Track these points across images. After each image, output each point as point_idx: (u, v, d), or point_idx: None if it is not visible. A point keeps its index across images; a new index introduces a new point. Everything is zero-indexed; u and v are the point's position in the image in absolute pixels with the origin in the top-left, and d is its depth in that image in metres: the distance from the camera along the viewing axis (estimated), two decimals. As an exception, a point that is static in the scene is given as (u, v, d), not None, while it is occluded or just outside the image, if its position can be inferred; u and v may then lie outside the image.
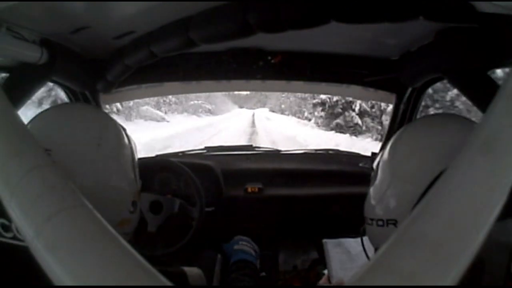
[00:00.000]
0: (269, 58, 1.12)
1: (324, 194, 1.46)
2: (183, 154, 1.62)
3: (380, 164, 0.63)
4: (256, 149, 1.74)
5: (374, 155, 1.31)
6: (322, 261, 1.29)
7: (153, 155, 1.51)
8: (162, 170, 1.26)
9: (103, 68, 1.04)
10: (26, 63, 0.81)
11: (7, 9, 0.63)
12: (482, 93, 0.78)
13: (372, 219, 0.62)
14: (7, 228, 0.49)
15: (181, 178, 1.26)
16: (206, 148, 1.68)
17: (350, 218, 0.88)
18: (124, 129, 0.66)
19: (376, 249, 0.66)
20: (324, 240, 1.04)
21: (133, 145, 0.67)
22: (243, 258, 0.95)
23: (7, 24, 0.69)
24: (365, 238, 0.68)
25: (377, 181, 0.62)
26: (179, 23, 0.81)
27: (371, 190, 0.64)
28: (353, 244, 1.00)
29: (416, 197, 0.52)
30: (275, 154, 1.69)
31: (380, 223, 0.59)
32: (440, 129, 0.58)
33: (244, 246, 1.00)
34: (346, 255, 0.99)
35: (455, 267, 0.26)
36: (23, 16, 0.71)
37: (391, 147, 0.62)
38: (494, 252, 0.44)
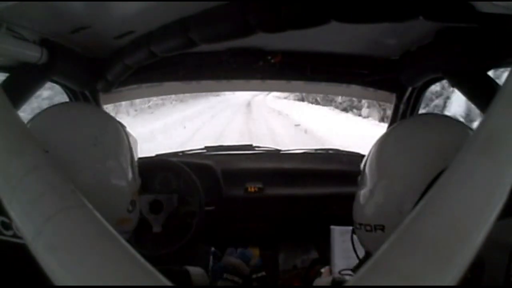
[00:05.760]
0: (269, 58, 1.12)
1: (324, 194, 1.45)
2: (183, 154, 1.62)
3: (368, 165, 0.61)
4: (256, 148, 1.74)
5: None
6: (322, 261, 1.29)
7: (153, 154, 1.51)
8: (162, 170, 1.26)
9: (103, 68, 1.04)
10: (26, 63, 0.81)
11: (7, 9, 0.63)
12: (482, 93, 0.78)
13: (360, 224, 0.60)
14: (7, 226, 0.49)
15: (181, 178, 1.26)
16: (206, 147, 1.68)
17: (350, 218, 0.88)
18: (124, 127, 0.66)
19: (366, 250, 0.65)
20: (332, 227, 1.03)
21: (132, 144, 0.66)
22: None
23: (7, 24, 0.69)
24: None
25: (364, 184, 0.60)
26: (179, 23, 0.81)
27: (359, 193, 0.62)
28: None
29: (407, 199, 0.50)
30: (275, 154, 1.69)
31: (368, 228, 0.58)
32: (429, 129, 0.57)
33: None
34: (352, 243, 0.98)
35: (455, 267, 0.26)
36: (23, 16, 0.70)
37: (378, 147, 0.60)
38: (494, 252, 0.44)
